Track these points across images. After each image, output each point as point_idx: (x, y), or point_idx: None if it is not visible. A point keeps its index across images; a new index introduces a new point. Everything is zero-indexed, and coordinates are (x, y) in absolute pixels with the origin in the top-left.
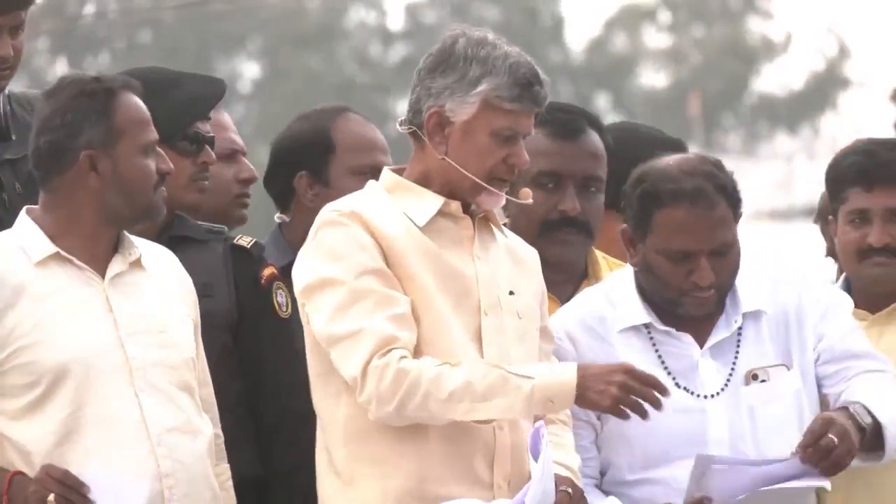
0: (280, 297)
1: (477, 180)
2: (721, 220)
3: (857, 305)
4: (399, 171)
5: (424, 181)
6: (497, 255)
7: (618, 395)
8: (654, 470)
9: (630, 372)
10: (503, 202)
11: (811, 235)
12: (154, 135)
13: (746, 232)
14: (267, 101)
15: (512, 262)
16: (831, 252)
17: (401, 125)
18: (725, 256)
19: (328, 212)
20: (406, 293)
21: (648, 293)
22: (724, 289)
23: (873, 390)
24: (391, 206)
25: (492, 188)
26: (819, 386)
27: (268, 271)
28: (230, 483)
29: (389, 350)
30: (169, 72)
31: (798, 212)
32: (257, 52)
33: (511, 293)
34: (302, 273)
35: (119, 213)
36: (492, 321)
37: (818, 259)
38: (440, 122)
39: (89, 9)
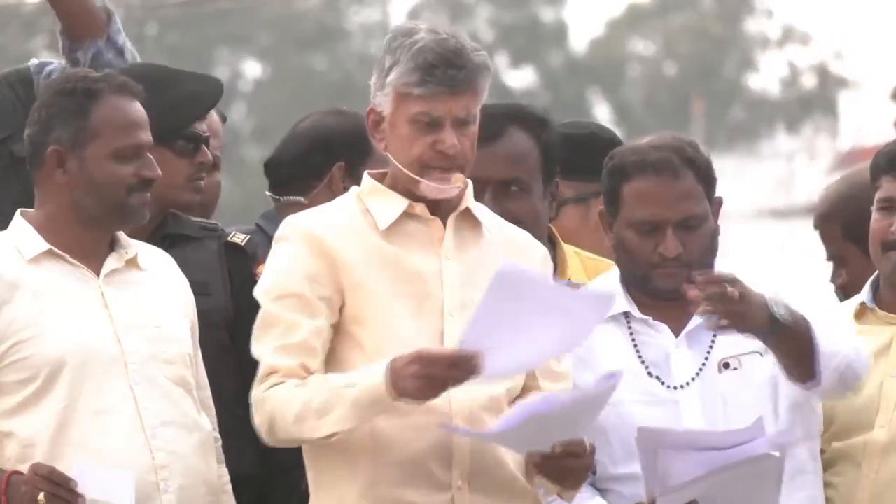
0: None
1: (407, 172)
2: (687, 192)
3: (884, 306)
4: (382, 176)
5: (392, 182)
6: (477, 254)
7: (422, 385)
8: (636, 464)
9: (420, 359)
10: (449, 190)
11: (811, 234)
12: (139, 139)
13: (746, 231)
14: (267, 99)
15: (509, 255)
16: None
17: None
18: (694, 231)
19: (284, 225)
20: (354, 302)
21: (624, 276)
22: (694, 264)
23: (818, 314)
24: (355, 213)
25: (421, 178)
26: None
27: (262, 268)
28: (229, 486)
29: (266, 379)
30: (166, 69)
31: (798, 211)
32: (259, 50)
33: None
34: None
35: (89, 213)
36: (457, 322)
37: (818, 258)
38: (376, 119)
39: None
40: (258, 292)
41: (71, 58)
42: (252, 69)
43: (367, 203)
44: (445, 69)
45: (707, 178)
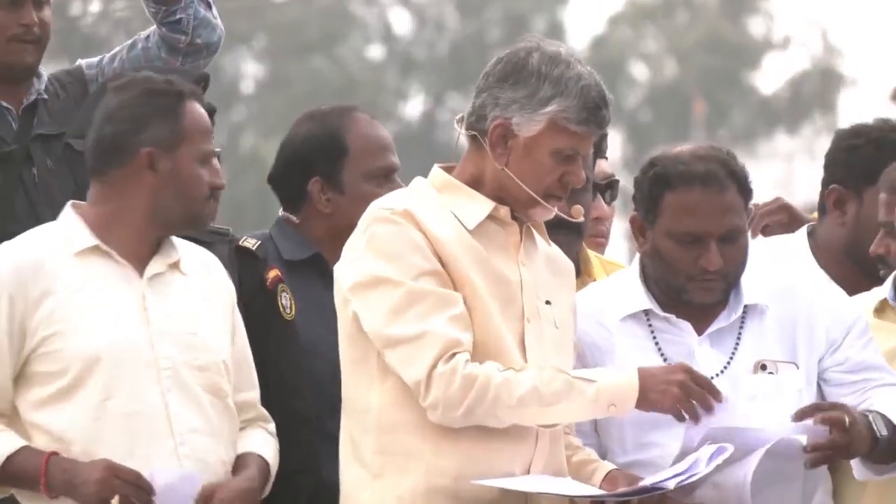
0: (284, 300)
1: (533, 195)
2: (731, 205)
3: None
4: (448, 170)
5: (476, 184)
6: (538, 264)
7: (678, 394)
8: (643, 451)
9: (689, 372)
10: (552, 216)
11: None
12: (212, 146)
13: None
14: (270, 100)
15: (550, 272)
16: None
17: (458, 123)
18: (734, 243)
19: (379, 209)
20: (462, 295)
21: (654, 281)
22: (731, 277)
23: (894, 402)
24: (440, 206)
25: (546, 204)
26: (827, 393)
27: (272, 273)
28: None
29: (454, 354)
30: (153, 69)
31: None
32: (262, 51)
33: (548, 303)
34: (351, 270)
35: (169, 215)
36: (534, 328)
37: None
38: (504, 134)
39: (93, 8)
40: (378, 272)
41: (169, 22)
42: (254, 70)
43: (446, 199)
44: (604, 111)
45: (747, 190)
